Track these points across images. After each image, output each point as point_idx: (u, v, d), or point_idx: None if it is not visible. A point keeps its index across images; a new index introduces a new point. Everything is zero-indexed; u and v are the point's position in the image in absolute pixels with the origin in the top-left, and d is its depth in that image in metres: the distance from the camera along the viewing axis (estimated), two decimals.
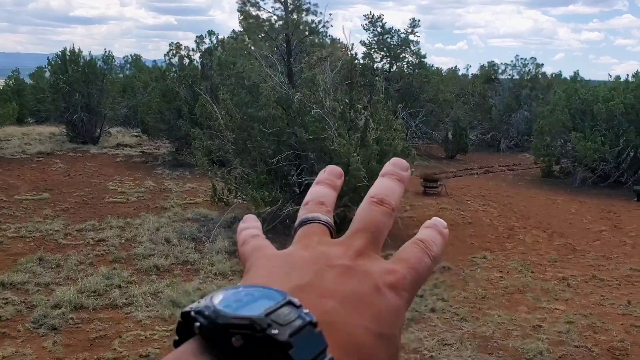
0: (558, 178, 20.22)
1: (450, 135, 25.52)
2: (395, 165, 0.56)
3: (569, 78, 25.13)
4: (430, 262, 0.49)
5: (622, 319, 8.25)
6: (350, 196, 11.37)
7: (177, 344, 0.37)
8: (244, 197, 11.89)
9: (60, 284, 8.90)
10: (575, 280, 9.89)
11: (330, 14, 31.22)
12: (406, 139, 14.73)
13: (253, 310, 0.35)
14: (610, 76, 22.63)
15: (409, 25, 27.05)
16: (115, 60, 25.96)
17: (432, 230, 0.51)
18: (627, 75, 21.56)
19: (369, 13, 28.39)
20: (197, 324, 0.35)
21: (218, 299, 0.36)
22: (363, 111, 12.34)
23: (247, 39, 16.17)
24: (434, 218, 0.54)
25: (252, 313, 0.34)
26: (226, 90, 12.19)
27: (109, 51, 24.35)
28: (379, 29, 27.06)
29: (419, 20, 27.52)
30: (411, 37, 26.92)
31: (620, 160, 18.96)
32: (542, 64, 29.83)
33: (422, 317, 8.20)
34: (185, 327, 0.37)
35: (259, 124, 11.52)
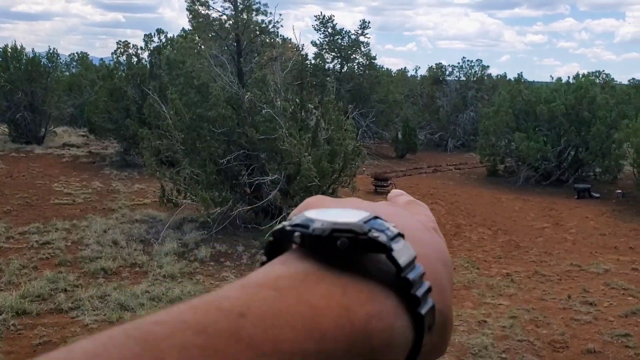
0: (503, 177, 20.84)
1: (400, 135, 25.93)
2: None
3: (513, 79, 25.86)
4: (429, 211, 0.52)
5: (562, 312, 8.58)
6: (301, 196, 11.42)
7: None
8: (193, 197, 11.77)
9: (1, 290, 8.59)
10: (519, 276, 10.23)
11: (280, 14, 31.13)
12: (357, 139, 14.87)
13: (350, 219, 0.35)
14: (552, 78, 23.44)
15: (359, 27, 27.35)
16: (60, 58, 25.27)
17: (405, 196, 0.54)
18: (568, 77, 22.40)
19: (319, 14, 28.54)
20: (297, 233, 0.35)
21: (310, 213, 0.36)
22: (314, 111, 12.41)
23: (196, 38, 15.99)
24: (394, 191, 0.56)
25: (351, 220, 0.35)
26: (175, 89, 12.04)
27: (54, 48, 23.67)
28: (329, 30, 27.24)
29: (369, 22, 27.93)
30: (361, 38, 27.23)
31: (561, 159, 19.69)
32: (488, 66, 30.71)
33: None
34: (277, 246, 0.37)
35: (209, 124, 11.43)
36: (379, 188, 17.47)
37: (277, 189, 11.34)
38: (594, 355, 7.23)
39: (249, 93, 11.74)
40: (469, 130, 28.31)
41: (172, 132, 11.95)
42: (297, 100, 11.84)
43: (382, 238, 0.34)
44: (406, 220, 0.42)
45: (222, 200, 11.25)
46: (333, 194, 12.41)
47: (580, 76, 21.90)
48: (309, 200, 0.45)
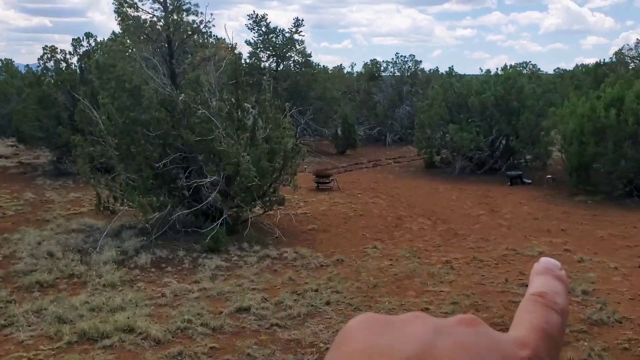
0: (440, 168, 21.37)
1: (339, 132, 26.16)
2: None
3: (445, 73, 26.51)
4: (559, 318, 0.39)
5: (501, 296, 8.88)
6: (242, 197, 11.37)
7: None
8: (130, 204, 11.52)
9: None
10: (458, 262, 10.52)
11: (212, 14, 30.72)
12: (296, 137, 14.91)
13: None
14: (482, 70, 24.16)
15: (294, 25, 27.38)
16: None
17: (546, 278, 0.42)
18: (497, 68, 23.15)
19: (253, 12, 28.44)
20: None
21: None
22: (251, 110, 12.36)
23: (127, 41, 15.61)
24: (543, 260, 0.45)
25: None
26: (106, 94, 11.73)
27: None
28: (263, 29, 27.16)
29: (303, 20, 27.96)
30: (296, 36, 27.27)
31: (494, 148, 20.37)
32: (421, 61, 31.41)
33: (318, 311, 8.37)
34: None
35: (143, 128, 11.20)
36: (321, 185, 17.57)
37: (217, 190, 11.23)
38: None
39: (182, 94, 11.58)
40: (405, 124, 28.80)
41: (106, 137, 11.64)
42: (232, 99, 11.76)
43: None
44: None
45: (161, 205, 11.05)
46: (274, 192, 12.41)
47: (508, 67, 22.70)
48: (348, 327, 0.36)
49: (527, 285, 0.41)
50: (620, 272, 9.93)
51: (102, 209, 12.37)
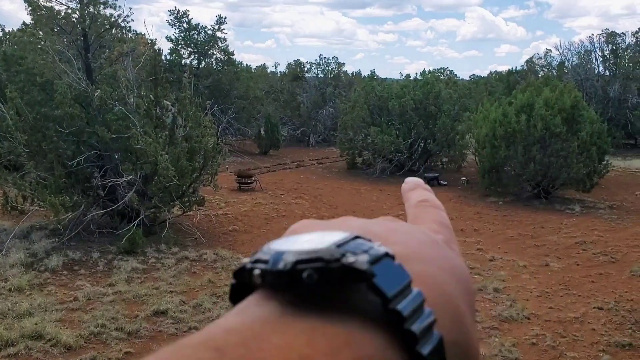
0: (361, 169, 21.74)
1: (262, 132, 26.05)
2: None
3: (367, 76, 27.04)
4: (446, 215, 0.45)
5: None
6: (159, 197, 11.09)
7: None
8: (41, 203, 10.96)
9: None
10: None
11: (130, 8, 29.92)
12: (217, 136, 14.70)
13: (319, 245, 0.30)
14: (402, 75, 24.85)
15: (216, 22, 27.06)
16: None
17: (419, 190, 0.49)
18: (416, 73, 23.90)
19: (174, 9, 27.86)
20: (257, 271, 0.29)
21: (275, 244, 0.31)
22: (170, 108, 12.08)
23: (39, 33, 14.85)
24: (408, 180, 0.51)
25: (319, 246, 0.29)
26: (15, 87, 11.10)
27: None
28: (185, 25, 26.67)
29: (225, 17, 27.72)
30: (218, 33, 26.97)
31: (412, 151, 20.96)
32: (344, 63, 31.89)
33: None
34: (242, 288, 0.31)
35: (55, 124, 10.69)
36: (243, 185, 17.43)
37: (133, 190, 10.89)
38: None
39: (98, 90, 11.15)
40: (329, 125, 29.12)
41: (14, 133, 11.03)
42: (151, 96, 11.44)
43: (360, 263, 0.28)
44: (405, 236, 0.37)
45: (74, 205, 10.59)
46: (194, 193, 12.19)
47: (427, 73, 23.43)
48: (293, 226, 0.39)
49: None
50: (529, 270, 10.47)
51: (9, 208, 11.71)
